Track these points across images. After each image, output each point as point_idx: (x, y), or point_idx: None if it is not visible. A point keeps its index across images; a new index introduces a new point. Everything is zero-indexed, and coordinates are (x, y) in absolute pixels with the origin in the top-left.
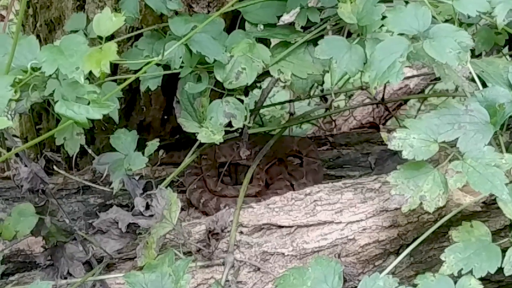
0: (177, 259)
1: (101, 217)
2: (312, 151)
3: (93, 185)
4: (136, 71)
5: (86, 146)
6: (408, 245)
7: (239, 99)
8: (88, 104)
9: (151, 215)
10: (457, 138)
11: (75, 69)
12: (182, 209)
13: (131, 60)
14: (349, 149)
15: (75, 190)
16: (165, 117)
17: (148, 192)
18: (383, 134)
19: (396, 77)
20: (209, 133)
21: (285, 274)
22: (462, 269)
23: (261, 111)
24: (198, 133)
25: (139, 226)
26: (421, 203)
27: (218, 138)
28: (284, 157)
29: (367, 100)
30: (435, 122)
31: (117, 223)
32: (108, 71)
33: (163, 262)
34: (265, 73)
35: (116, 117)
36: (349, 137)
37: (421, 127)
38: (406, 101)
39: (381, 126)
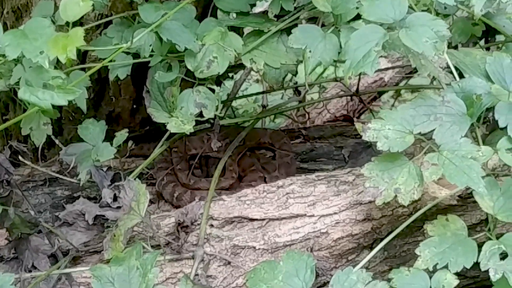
0: (145, 252)
1: (68, 209)
2: (285, 143)
3: (60, 176)
4: (105, 60)
5: (53, 137)
6: (382, 239)
7: (210, 89)
8: (53, 90)
9: (119, 207)
10: (433, 130)
11: (40, 53)
12: (151, 202)
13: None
14: (322, 142)
15: (42, 182)
16: (135, 106)
17: (116, 183)
18: (358, 125)
19: (371, 67)
20: (179, 123)
21: (256, 268)
22: (437, 264)
23: (234, 104)
24: (168, 123)
25: (106, 219)
26: (395, 196)
27: (188, 128)
28: (256, 150)
29: (342, 93)
30: (411, 113)
31: (84, 215)
32: (74, 57)
33: (130, 255)
34: (239, 65)
35: (84, 107)
36: (323, 130)
37: (396, 118)
38: (380, 95)
39: (355, 119)
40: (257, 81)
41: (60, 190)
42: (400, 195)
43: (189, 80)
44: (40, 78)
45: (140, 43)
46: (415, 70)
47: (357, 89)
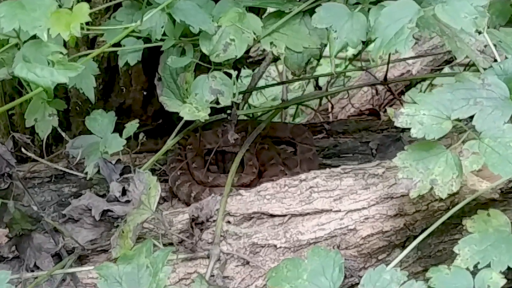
0: (156, 249)
1: (73, 204)
2: (307, 138)
3: (66, 170)
4: (114, 46)
5: (60, 130)
6: (415, 237)
7: (227, 74)
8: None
9: (128, 201)
10: (473, 116)
11: (38, 25)
12: (164, 200)
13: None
14: (347, 138)
15: (48, 179)
16: (145, 93)
17: (125, 176)
18: (389, 110)
19: (405, 45)
20: (193, 110)
21: (278, 266)
22: (478, 263)
23: (252, 103)
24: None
25: (115, 215)
26: (431, 189)
27: (203, 115)
28: (276, 145)
29: (366, 87)
30: (448, 97)
31: (90, 210)
32: (78, 34)
33: (140, 253)
34: (256, 62)
35: (92, 96)
36: (347, 125)
37: (432, 102)
38: (407, 89)
39: (381, 113)
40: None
41: (67, 187)
42: (437, 187)
43: (205, 65)
44: (38, 53)
45: (151, 24)
46: (444, 63)
47: (385, 77)
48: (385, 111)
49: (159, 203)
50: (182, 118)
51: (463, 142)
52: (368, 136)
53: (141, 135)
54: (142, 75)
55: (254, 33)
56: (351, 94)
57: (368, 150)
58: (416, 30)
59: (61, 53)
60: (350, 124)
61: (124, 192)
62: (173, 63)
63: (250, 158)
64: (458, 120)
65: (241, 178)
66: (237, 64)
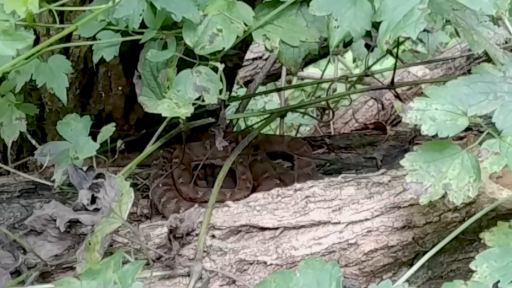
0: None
1: (35, 214)
2: (306, 152)
3: (32, 177)
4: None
5: (29, 137)
6: (426, 253)
7: (213, 70)
8: None
9: (97, 209)
10: (493, 112)
11: None
12: (146, 217)
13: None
14: (349, 153)
15: (18, 193)
16: (126, 93)
17: (94, 181)
18: (397, 103)
19: (415, 27)
20: (173, 106)
21: (265, 281)
22: (499, 281)
23: (250, 123)
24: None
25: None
26: (443, 197)
27: (184, 111)
28: (271, 159)
29: (371, 101)
30: (465, 90)
31: (55, 221)
32: (36, 10)
33: (107, 267)
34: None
35: (64, 97)
36: (350, 139)
37: (446, 96)
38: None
39: (388, 127)
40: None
41: (38, 202)
42: (451, 192)
43: (189, 60)
44: None
45: (128, 12)
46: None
47: (392, 80)
48: (392, 125)
49: (139, 220)
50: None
51: (481, 142)
52: (372, 152)
53: (119, 142)
54: (122, 77)
55: (245, 24)
56: (354, 108)
57: (373, 166)
58: (428, 11)
59: (7, 20)
60: (353, 138)
61: (93, 200)
62: (153, 57)
63: (244, 172)
64: (476, 116)
65: (234, 193)
66: (228, 59)
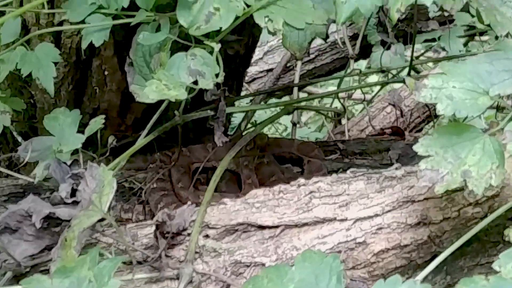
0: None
1: (10, 209)
2: (317, 156)
3: (11, 173)
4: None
5: (15, 133)
6: None
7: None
8: None
9: (76, 202)
10: None
11: None
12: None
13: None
14: (364, 159)
15: (6, 197)
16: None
17: (74, 171)
18: (409, 80)
19: None
20: (162, 87)
21: (257, 277)
22: None
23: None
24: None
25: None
26: (463, 185)
27: (174, 94)
28: (279, 163)
29: (389, 108)
30: (486, 68)
31: (31, 217)
32: None
33: (82, 264)
34: None
35: (51, 88)
36: (365, 145)
37: (465, 73)
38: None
39: (406, 133)
40: None
41: None
42: (471, 180)
43: (184, 43)
44: None
45: None
46: None
47: (409, 73)
48: (411, 130)
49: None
50: None
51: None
52: (389, 158)
53: (111, 138)
54: (118, 72)
55: (245, 4)
56: (371, 115)
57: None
58: None
59: None
60: (368, 144)
61: (73, 192)
62: (145, 40)
63: (249, 176)
64: (499, 96)
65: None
66: (228, 46)
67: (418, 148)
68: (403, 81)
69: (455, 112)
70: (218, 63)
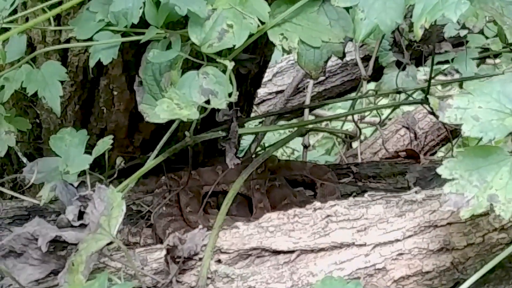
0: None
1: (15, 232)
2: (330, 179)
3: (16, 194)
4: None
5: (20, 154)
6: None
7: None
8: None
9: (83, 225)
10: None
11: None
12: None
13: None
14: (378, 182)
15: (10, 220)
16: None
17: (82, 194)
18: (433, 99)
19: (456, 9)
20: (174, 107)
21: None
22: None
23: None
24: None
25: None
26: (489, 210)
27: (186, 113)
28: (292, 187)
29: (403, 130)
30: None
31: (37, 240)
32: None
33: None
34: None
35: (57, 108)
36: (379, 168)
37: (491, 92)
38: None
39: (421, 156)
40: None
41: None
42: (498, 205)
43: (196, 62)
44: None
45: (127, 5)
46: None
47: (426, 96)
48: (425, 154)
49: None
50: None
51: None
52: (404, 182)
53: (119, 160)
54: (126, 91)
55: (259, 20)
56: (385, 138)
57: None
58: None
59: None
60: (382, 167)
61: (81, 215)
62: (155, 58)
63: (261, 200)
64: None
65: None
66: (240, 64)
67: (442, 171)
68: (422, 102)
69: (482, 135)
70: (231, 82)
